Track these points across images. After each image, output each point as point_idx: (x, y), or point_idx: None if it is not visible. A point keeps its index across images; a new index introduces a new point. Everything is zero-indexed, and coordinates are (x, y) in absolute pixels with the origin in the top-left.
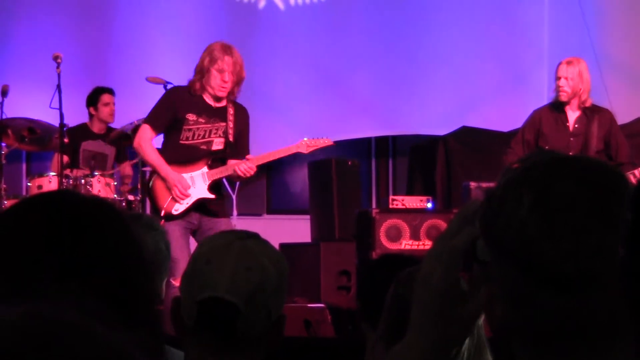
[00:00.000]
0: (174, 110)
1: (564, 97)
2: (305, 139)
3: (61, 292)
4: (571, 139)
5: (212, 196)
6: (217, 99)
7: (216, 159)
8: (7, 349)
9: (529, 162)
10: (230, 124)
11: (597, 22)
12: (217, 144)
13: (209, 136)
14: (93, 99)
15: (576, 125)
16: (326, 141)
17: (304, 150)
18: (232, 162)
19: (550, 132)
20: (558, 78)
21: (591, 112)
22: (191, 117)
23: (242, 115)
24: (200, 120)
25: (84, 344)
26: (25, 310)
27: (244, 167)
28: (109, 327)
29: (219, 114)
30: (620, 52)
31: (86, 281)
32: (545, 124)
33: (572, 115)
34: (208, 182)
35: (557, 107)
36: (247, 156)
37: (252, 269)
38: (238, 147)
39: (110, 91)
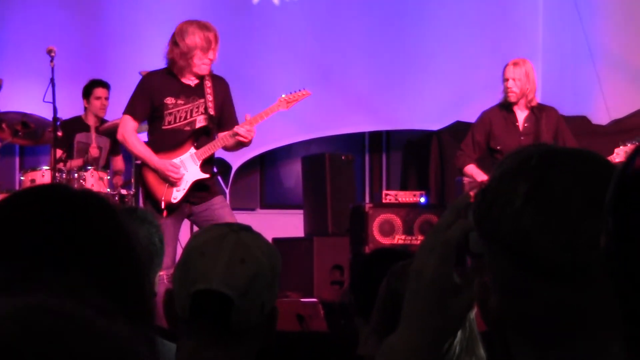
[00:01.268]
0: (150, 96)
1: (512, 98)
2: (283, 95)
3: (59, 286)
4: (522, 138)
5: (207, 175)
6: (197, 76)
7: (201, 137)
8: (7, 343)
9: (523, 154)
10: (210, 97)
11: (591, 16)
12: (200, 122)
13: (191, 116)
14: (87, 92)
15: (526, 124)
16: (304, 93)
17: (284, 108)
18: (221, 135)
19: (500, 132)
20: (506, 80)
21: (539, 111)
22: (170, 100)
23: (220, 86)
24: (179, 102)
25: (86, 337)
26: (25, 303)
27: (243, 130)
28: (111, 320)
29: (197, 91)
30: (614, 46)
31: (81, 274)
32: (495, 125)
33: (521, 114)
34: (199, 163)
35: (506, 107)
36: (246, 115)
37: (246, 262)
38: (225, 118)
39: (104, 85)
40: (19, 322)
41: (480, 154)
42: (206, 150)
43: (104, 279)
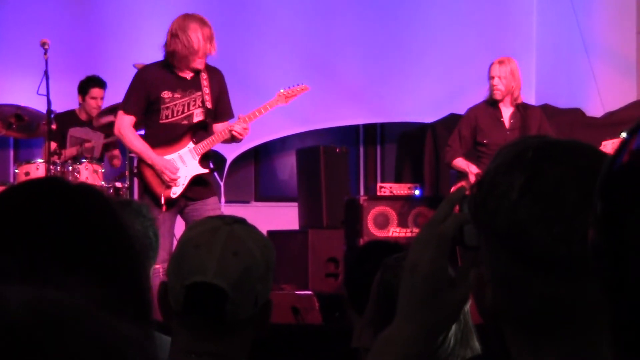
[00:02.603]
0: (146, 91)
1: (498, 95)
2: (281, 90)
3: (62, 281)
4: (508, 133)
5: (206, 170)
6: (193, 69)
7: (199, 131)
8: (20, 330)
9: (519, 146)
10: (207, 90)
11: (586, 9)
12: (198, 115)
13: (188, 109)
14: (83, 89)
15: (511, 121)
16: (302, 88)
17: (284, 103)
18: (217, 127)
19: (487, 127)
20: (491, 77)
21: (524, 109)
22: (166, 94)
23: (216, 78)
24: (176, 95)
25: (96, 328)
26: (36, 294)
27: (240, 128)
28: (115, 315)
29: (194, 84)
30: (608, 39)
31: (81, 270)
32: (481, 121)
33: (506, 111)
34: (198, 157)
35: (491, 104)
36: (239, 115)
37: (239, 254)
38: (220, 109)
39: (101, 85)
40: (31, 311)
41: (467, 149)
42: (205, 145)
43: (102, 273)
